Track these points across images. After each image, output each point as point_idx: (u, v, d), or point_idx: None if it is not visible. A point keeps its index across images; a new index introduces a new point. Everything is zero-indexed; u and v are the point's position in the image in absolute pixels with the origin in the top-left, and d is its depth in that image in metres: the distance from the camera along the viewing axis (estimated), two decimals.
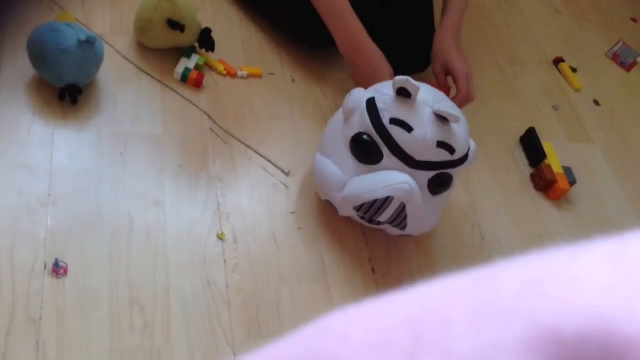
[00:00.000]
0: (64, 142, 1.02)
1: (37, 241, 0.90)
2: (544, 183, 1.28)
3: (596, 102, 1.56)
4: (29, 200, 0.94)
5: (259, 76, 1.24)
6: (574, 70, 1.60)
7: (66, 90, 1.03)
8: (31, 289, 0.85)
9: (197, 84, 1.17)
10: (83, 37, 1.00)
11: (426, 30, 1.35)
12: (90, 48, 1.02)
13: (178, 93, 1.16)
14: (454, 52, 1.25)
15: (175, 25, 1.12)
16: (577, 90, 1.56)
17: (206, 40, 1.19)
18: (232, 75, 1.22)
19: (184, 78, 1.17)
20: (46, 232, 0.91)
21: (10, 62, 1.08)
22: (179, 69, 1.17)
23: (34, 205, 0.93)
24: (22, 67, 1.06)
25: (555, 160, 1.31)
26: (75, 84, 1.04)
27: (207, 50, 1.20)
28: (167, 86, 1.16)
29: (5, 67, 1.07)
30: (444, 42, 1.27)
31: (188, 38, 1.17)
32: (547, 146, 1.33)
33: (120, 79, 1.14)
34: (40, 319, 0.83)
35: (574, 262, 0.17)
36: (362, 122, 0.97)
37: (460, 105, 1.24)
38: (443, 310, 0.18)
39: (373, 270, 1.06)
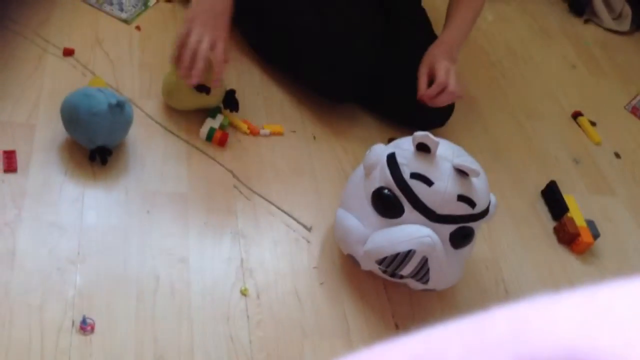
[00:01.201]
0: (93, 201, 1.05)
1: (66, 298, 0.92)
2: (567, 236, 1.28)
3: (617, 155, 1.56)
4: (58, 258, 0.96)
5: (280, 134, 1.28)
6: (593, 123, 1.61)
7: (96, 151, 1.08)
8: (59, 346, 0.87)
9: (222, 143, 1.21)
10: (114, 101, 1.05)
11: None
12: (120, 111, 1.07)
13: (203, 152, 1.19)
14: (443, 58, 1.25)
15: (201, 88, 1.17)
16: (597, 144, 1.57)
17: (230, 101, 1.23)
18: (255, 133, 1.26)
19: (209, 138, 1.21)
20: (75, 290, 0.93)
21: (44, 126, 1.13)
22: (204, 129, 1.21)
23: (63, 263, 0.96)
24: (56, 130, 1.11)
25: (577, 213, 1.30)
26: (106, 146, 1.08)
27: (231, 111, 1.24)
28: (192, 146, 1.20)
29: (40, 130, 1.12)
30: (435, 50, 1.28)
31: (213, 99, 1.21)
32: (569, 199, 1.33)
33: (148, 140, 1.18)
34: None
35: (554, 304, 0.21)
36: (382, 177, 0.99)
37: (439, 97, 1.22)
38: (441, 348, 0.21)
39: (396, 326, 1.06)
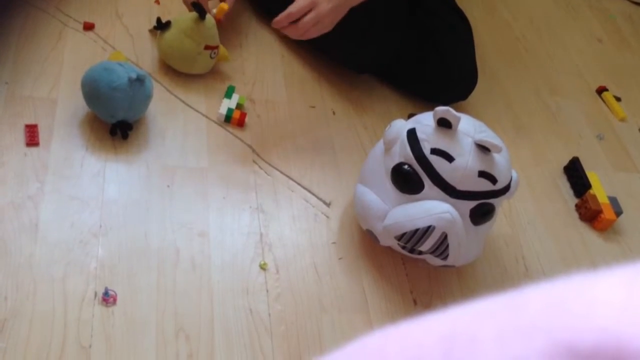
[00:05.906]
0: (114, 176, 1.06)
1: (88, 270, 0.93)
2: (590, 213, 1.26)
3: None
4: (80, 231, 0.97)
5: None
6: (618, 99, 1.58)
7: (117, 126, 1.08)
8: (82, 317, 0.88)
9: (240, 123, 1.20)
10: (134, 76, 1.05)
11: (466, 59, 1.36)
12: (140, 86, 1.07)
13: (222, 127, 1.19)
14: None
15: (197, 8, 1.16)
16: (622, 120, 1.54)
17: (197, 7, 1.19)
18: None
19: (227, 119, 1.20)
20: (97, 262, 0.94)
21: (65, 100, 1.14)
22: (222, 111, 1.20)
23: (85, 236, 0.97)
24: (77, 105, 1.12)
25: (600, 190, 1.29)
26: (126, 120, 1.09)
27: (201, 17, 1.18)
28: (212, 121, 1.20)
29: (61, 104, 1.13)
30: None
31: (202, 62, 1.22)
32: (592, 176, 1.32)
33: (168, 115, 1.18)
34: (90, 346, 0.86)
35: (592, 285, 0.19)
36: (402, 152, 0.98)
37: (288, 28, 1.12)
38: (472, 329, 0.20)
39: (415, 302, 1.06)
